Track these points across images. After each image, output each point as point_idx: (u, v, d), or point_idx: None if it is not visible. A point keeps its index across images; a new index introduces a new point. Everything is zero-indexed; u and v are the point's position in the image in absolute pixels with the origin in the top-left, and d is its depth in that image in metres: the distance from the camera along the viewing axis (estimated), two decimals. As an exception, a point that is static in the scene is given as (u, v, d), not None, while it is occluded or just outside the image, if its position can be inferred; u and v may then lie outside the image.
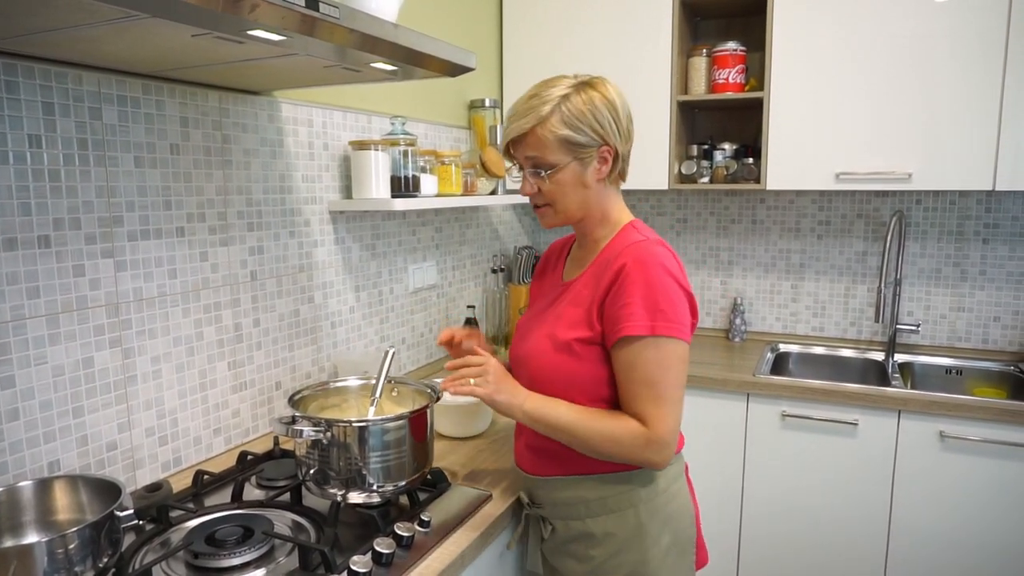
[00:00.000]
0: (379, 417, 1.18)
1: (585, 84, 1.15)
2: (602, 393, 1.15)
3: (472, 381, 1.16)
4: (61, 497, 1.04)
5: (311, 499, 1.26)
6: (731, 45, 2.30)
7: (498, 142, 2.29)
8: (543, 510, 1.24)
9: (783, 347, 2.52)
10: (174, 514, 1.20)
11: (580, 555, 1.20)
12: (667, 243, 1.17)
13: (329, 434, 1.14)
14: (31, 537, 1.02)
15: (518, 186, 1.24)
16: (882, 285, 2.13)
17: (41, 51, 1.07)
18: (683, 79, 2.40)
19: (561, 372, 1.16)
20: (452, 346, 1.34)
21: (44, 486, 1.04)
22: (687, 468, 1.28)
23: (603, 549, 1.17)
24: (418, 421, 1.20)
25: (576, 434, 1.12)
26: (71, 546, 0.89)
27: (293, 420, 1.15)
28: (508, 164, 1.24)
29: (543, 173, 1.16)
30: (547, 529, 1.24)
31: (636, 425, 1.09)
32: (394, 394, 1.37)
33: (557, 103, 1.12)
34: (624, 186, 2.36)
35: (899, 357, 2.36)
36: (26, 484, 1.03)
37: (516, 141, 1.17)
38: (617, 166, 1.19)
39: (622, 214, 1.23)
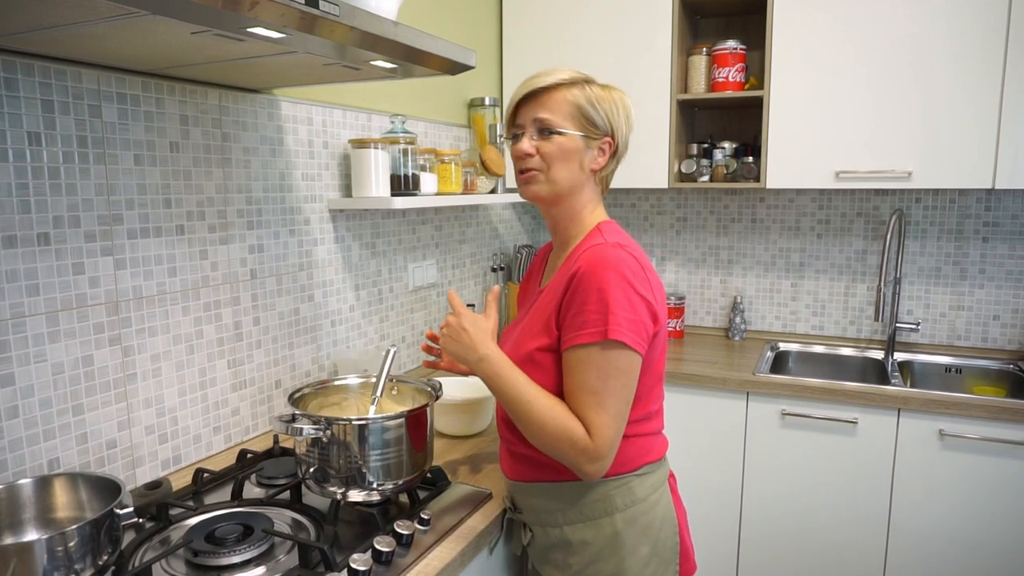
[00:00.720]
0: (379, 415, 1.18)
1: (606, 85, 1.18)
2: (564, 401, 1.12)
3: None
4: (61, 495, 1.04)
5: (311, 497, 1.26)
6: (731, 44, 2.30)
7: (498, 139, 2.29)
8: (523, 515, 1.22)
9: (783, 346, 2.52)
10: (174, 512, 1.20)
11: (559, 563, 1.18)
12: (631, 245, 1.13)
13: (329, 432, 1.14)
14: (31, 535, 1.02)
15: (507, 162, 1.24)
16: (882, 284, 2.13)
17: (41, 48, 1.07)
18: (683, 78, 2.40)
19: None
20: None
21: (44, 484, 1.04)
22: (673, 477, 1.25)
23: (579, 557, 1.15)
24: (418, 419, 1.20)
25: (524, 408, 1.08)
26: (71, 544, 0.89)
27: (293, 418, 1.14)
28: (503, 135, 1.23)
29: (551, 134, 1.13)
30: (527, 535, 1.22)
31: (582, 430, 1.06)
32: (394, 392, 1.37)
33: (581, 79, 1.15)
34: (624, 185, 2.36)
35: (899, 356, 2.36)
36: (26, 482, 1.03)
37: (529, 99, 1.15)
38: (611, 165, 1.19)
39: (595, 214, 1.20)
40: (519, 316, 1.28)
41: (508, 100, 1.19)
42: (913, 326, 2.40)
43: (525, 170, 1.17)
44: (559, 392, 1.11)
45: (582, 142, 1.14)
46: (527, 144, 1.15)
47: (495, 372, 1.12)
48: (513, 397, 1.10)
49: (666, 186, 2.37)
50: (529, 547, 1.23)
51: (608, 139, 1.16)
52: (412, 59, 1.17)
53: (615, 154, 1.18)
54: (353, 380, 1.38)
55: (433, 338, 1.33)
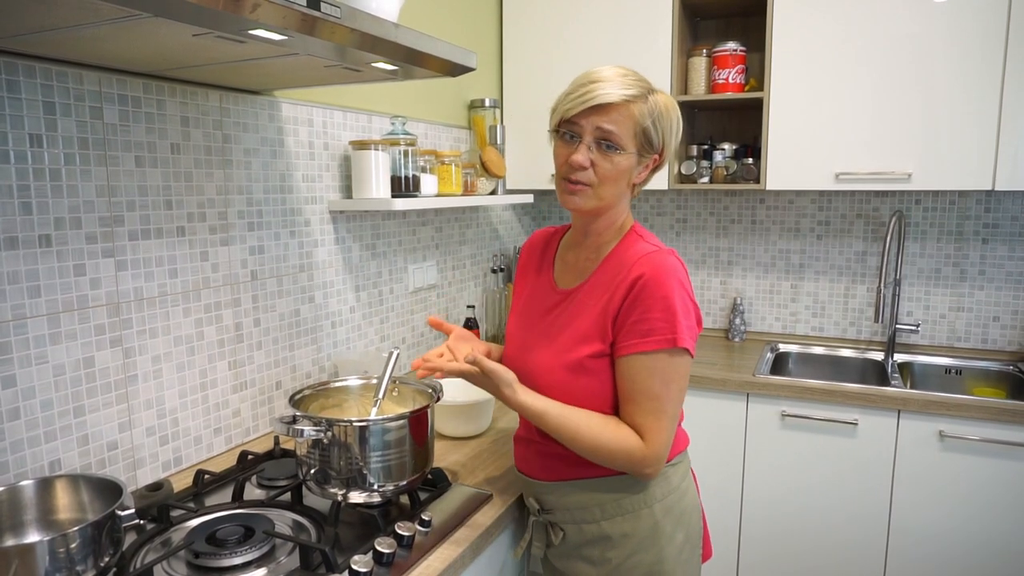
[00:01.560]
0: (379, 417, 1.18)
1: (669, 97, 1.15)
2: (608, 402, 1.14)
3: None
4: (62, 496, 1.04)
5: (312, 499, 1.26)
6: (731, 45, 2.31)
7: (498, 141, 2.29)
8: (553, 516, 1.23)
9: (783, 347, 2.52)
10: (175, 513, 1.20)
11: (595, 558, 1.18)
12: (675, 251, 1.16)
13: (330, 434, 1.14)
14: (32, 536, 1.02)
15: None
16: (881, 285, 2.13)
17: (42, 50, 1.07)
18: (683, 79, 2.40)
19: (575, 390, 1.14)
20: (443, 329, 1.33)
21: (45, 485, 1.04)
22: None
23: (620, 551, 1.16)
24: (419, 421, 1.20)
25: (573, 432, 1.11)
26: (72, 545, 0.89)
27: (294, 420, 1.15)
28: (551, 128, 1.16)
29: (610, 150, 1.10)
30: (558, 535, 1.22)
31: (635, 439, 1.09)
32: (395, 394, 1.37)
33: (646, 91, 1.11)
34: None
35: (899, 357, 2.37)
36: (27, 483, 1.03)
37: (598, 108, 1.08)
38: (650, 178, 1.20)
39: (627, 219, 1.22)
40: (533, 312, 1.25)
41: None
42: (913, 327, 2.41)
43: (575, 181, 1.12)
44: (612, 397, 1.13)
45: (635, 160, 1.13)
46: (584, 155, 1.10)
47: (533, 416, 1.14)
48: (561, 433, 1.12)
49: (666, 187, 2.37)
50: (558, 547, 1.24)
51: (656, 156, 1.16)
52: (413, 61, 1.17)
53: (657, 168, 1.18)
54: (354, 381, 1.38)
55: (439, 326, 1.32)
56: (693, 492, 1.24)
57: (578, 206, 1.14)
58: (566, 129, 1.13)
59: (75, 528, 0.89)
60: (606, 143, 1.10)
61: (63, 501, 1.04)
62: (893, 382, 2.11)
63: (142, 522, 1.16)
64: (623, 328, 1.10)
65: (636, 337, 1.08)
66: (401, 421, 1.17)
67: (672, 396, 1.09)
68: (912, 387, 2.28)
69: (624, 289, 1.10)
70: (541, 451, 1.22)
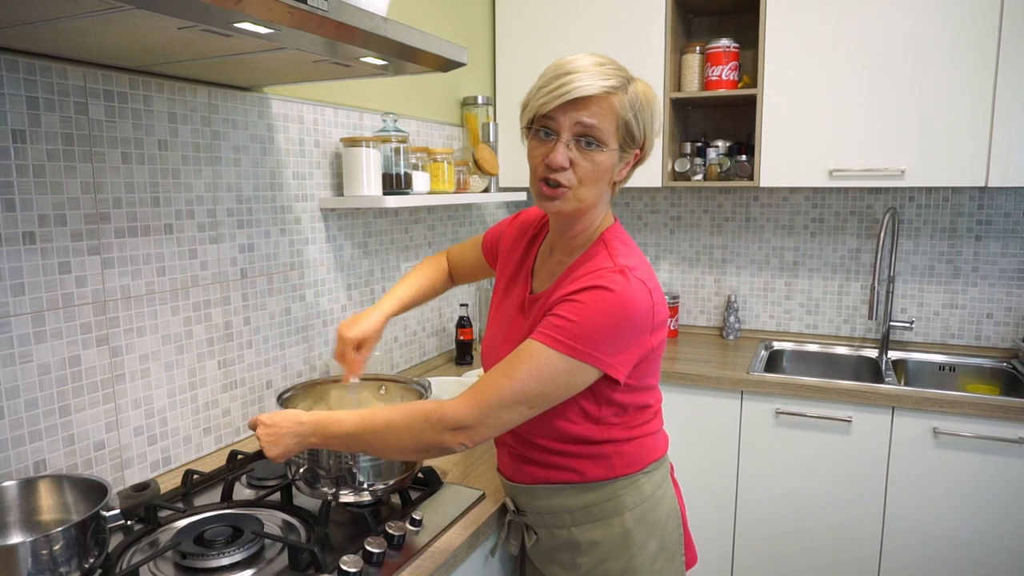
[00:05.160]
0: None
1: (649, 86, 1.07)
2: (575, 409, 1.07)
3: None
4: (46, 497, 1.03)
5: (302, 499, 1.24)
6: (724, 42, 2.30)
7: (491, 138, 2.28)
8: (527, 518, 1.21)
9: (777, 345, 2.52)
10: (163, 514, 1.18)
11: (566, 563, 1.17)
12: (635, 262, 1.04)
13: (319, 432, 1.12)
14: (15, 538, 1.01)
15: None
16: (875, 282, 2.13)
17: (25, 44, 1.05)
18: (676, 76, 2.39)
19: None
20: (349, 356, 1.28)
21: (29, 486, 1.03)
22: (672, 468, 1.25)
23: (590, 557, 1.14)
24: (409, 419, 1.19)
25: (380, 430, 1.02)
26: (56, 546, 0.88)
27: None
28: (528, 134, 1.07)
29: (591, 147, 1.01)
30: (531, 538, 1.21)
31: (427, 406, 1.00)
32: (382, 391, 1.36)
33: (627, 79, 1.03)
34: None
35: (892, 354, 2.36)
36: (10, 484, 1.02)
37: (576, 102, 0.99)
38: (631, 174, 1.11)
39: (604, 220, 1.13)
40: (506, 309, 1.21)
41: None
42: (907, 324, 2.40)
43: (554, 184, 1.03)
44: (561, 406, 1.06)
45: (617, 156, 1.04)
46: (562, 155, 1.01)
47: (331, 433, 1.04)
48: (358, 438, 1.03)
49: (660, 185, 2.37)
50: (532, 549, 1.22)
51: (638, 151, 1.08)
52: (403, 56, 1.16)
53: (638, 163, 1.10)
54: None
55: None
56: (670, 499, 1.18)
57: (559, 210, 1.05)
58: (541, 126, 1.03)
59: (58, 529, 0.88)
60: (586, 140, 1.01)
61: (47, 502, 1.03)
62: (887, 379, 2.11)
63: (128, 523, 1.15)
64: (548, 315, 1.02)
65: (551, 329, 0.99)
66: (391, 420, 1.16)
67: (528, 386, 0.97)
68: (906, 384, 2.28)
69: (570, 289, 1.02)
70: (513, 453, 1.19)
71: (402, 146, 1.78)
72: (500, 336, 1.20)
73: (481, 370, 1.31)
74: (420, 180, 1.84)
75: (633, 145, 1.06)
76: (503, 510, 1.27)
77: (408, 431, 1.01)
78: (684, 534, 1.21)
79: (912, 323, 2.41)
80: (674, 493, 1.21)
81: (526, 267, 1.22)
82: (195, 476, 1.31)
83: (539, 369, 0.98)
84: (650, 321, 1.02)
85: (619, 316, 0.98)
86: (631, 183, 2.37)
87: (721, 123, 2.61)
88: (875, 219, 2.45)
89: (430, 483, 1.31)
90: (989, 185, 2.00)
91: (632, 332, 1.00)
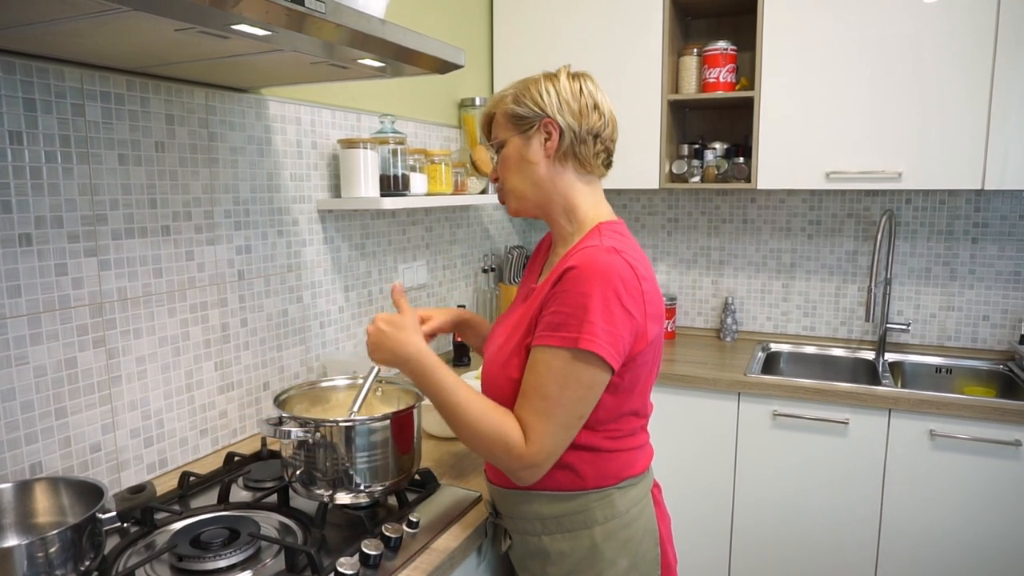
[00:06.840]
0: (365, 417, 1.17)
1: (548, 73, 1.16)
2: None
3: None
4: (42, 499, 1.03)
5: (298, 500, 1.24)
6: (722, 44, 2.30)
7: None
8: (503, 521, 1.20)
9: (774, 346, 2.52)
10: (159, 516, 1.18)
11: (536, 571, 1.16)
12: (630, 249, 1.06)
13: (317, 435, 1.12)
14: (11, 540, 1.00)
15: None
16: (872, 284, 2.13)
17: (21, 46, 1.05)
18: (674, 78, 2.40)
19: (501, 384, 1.10)
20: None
21: (24, 488, 1.02)
22: (658, 487, 1.22)
23: (557, 568, 1.13)
24: (404, 421, 1.19)
25: (456, 410, 1.05)
26: (52, 549, 0.87)
27: (280, 421, 1.13)
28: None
29: (499, 151, 1.17)
30: (505, 542, 1.20)
31: (518, 433, 1.02)
32: (379, 394, 1.35)
33: (516, 88, 1.16)
34: (615, 185, 2.34)
35: (889, 356, 2.37)
36: (6, 487, 1.01)
37: (484, 131, 1.20)
38: (565, 142, 1.10)
39: (595, 211, 1.15)
40: (508, 310, 1.25)
41: None
42: (903, 327, 2.41)
43: (500, 195, 1.21)
44: None
45: (520, 140, 1.13)
46: (493, 171, 1.20)
47: (422, 371, 1.08)
48: (443, 399, 1.06)
49: (657, 187, 2.37)
50: (510, 552, 1.22)
51: (546, 120, 1.10)
52: (401, 58, 1.16)
53: (562, 130, 1.10)
54: (340, 381, 1.36)
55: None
56: (649, 517, 1.14)
57: (515, 211, 1.19)
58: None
59: (54, 532, 0.87)
60: (496, 149, 1.17)
61: (43, 504, 1.02)
62: (884, 381, 2.11)
63: (124, 525, 1.14)
64: (541, 319, 1.04)
65: (546, 329, 1.02)
66: (387, 421, 1.16)
67: (566, 402, 1.01)
68: (903, 386, 2.28)
69: (553, 280, 1.04)
70: None
71: (399, 148, 1.78)
72: (501, 322, 1.22)
73: (479, 372, 1.31)
74: (417, 182, 1.84)
75: (528, 121, 1.12)
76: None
77: (486, 448, 1.04)
78: (663, 555, 1.16)
79: (909, 325, 2.42)
80: (653, 513, 1.16)
81: (537, 266, 1.28)
82: (192, 478, 1.31)
83: (549, 369, 1.02)
84: (638, 294, 1.02)
85: (600, 286, 0.99)
86: (627, 184, 2.39)
87: (719, 125, 2.61)
88: (872, 221, 2.46)
89: (426, 485, 1.31)
90: (985, 188, 2.00)
91: (617, 300, 1.00)
